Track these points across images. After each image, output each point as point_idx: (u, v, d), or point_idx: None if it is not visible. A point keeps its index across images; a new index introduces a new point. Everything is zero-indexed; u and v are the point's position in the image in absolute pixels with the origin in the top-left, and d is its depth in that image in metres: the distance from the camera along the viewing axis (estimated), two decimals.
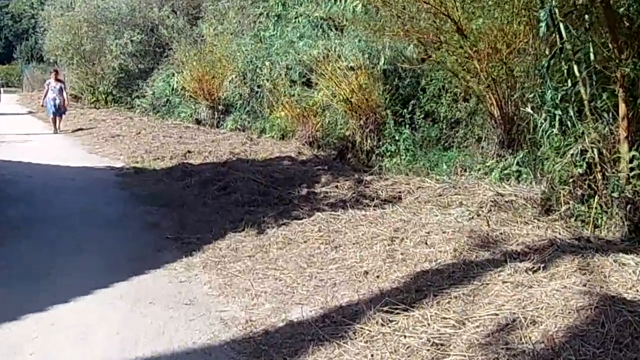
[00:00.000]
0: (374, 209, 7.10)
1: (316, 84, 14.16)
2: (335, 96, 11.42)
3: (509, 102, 8.67)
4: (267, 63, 16.46)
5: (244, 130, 17.20)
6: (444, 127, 11.18)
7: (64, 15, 25.21)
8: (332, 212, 6.90)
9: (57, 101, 16.89)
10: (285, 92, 14.24)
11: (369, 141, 10.41)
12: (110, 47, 24.22)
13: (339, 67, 10.89)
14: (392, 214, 6.76)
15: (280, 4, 17.42)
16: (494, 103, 8.88)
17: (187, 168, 10.16)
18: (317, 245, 5.93)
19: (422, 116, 10.55)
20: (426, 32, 8.63)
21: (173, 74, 20.54)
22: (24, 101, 28.11)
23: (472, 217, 7.03)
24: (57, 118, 16.99)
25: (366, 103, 10.38)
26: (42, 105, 17.90)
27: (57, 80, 17.41)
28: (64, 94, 17.32)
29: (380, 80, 10.59)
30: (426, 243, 5.77)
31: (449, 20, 8.40)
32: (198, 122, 17.92)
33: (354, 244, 5.87)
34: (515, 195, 7.66)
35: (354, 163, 10.43)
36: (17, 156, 12.13)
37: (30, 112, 22.36)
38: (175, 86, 20.02)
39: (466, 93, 12.12)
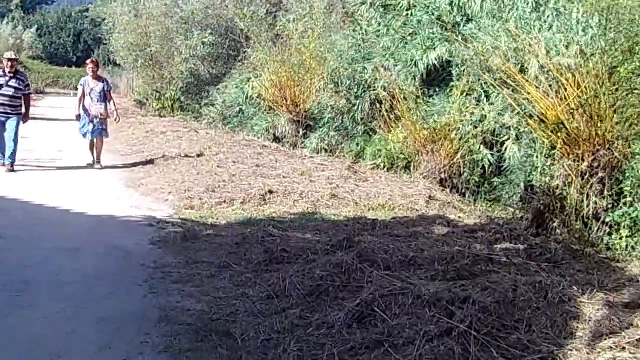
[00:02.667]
0: None
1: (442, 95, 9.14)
2: (521, 111, 6.29)
3: None
4: (370, 66, 11.53)
5: (331, 152, 12.39)
6: None
7: (131, 12, 20.96)
8: None
9: (97, 114, 9.29)
10: (406, 105, 9.25)
11: (592, 198, 5.31)
12: (180, 48, 19.85)
13: (551, 64, 5.69)
14: None
15: None
16: None
17: (274, 237, 5.25)
18: None
19: None
20: None
21: (248, 79, 15.82)
22: None
23: None
24: (98, 141, 9.51)
25: (594, 130, 5.25)
26: (77, 118, 9.53)
27: (97, 78, 9.54)
28: (108, 102, 9.45)
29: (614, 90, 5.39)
30: None
31: None
32: (277, 139, 13.09)
33: None
34: None
35: (564, 237, 5.35)
36: (23, 185, 7.58)
37: None
38: (250, 93, 15.28)
39: None
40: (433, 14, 10.82)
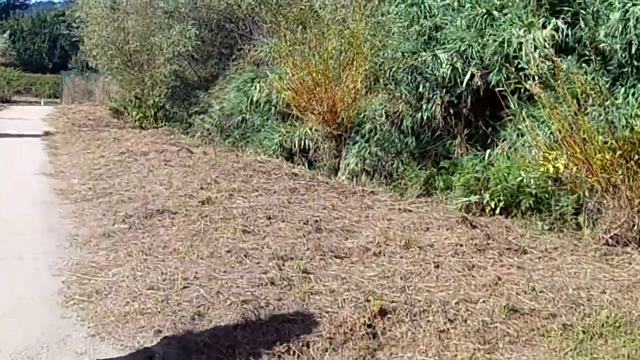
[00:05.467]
0: None
1: None
2: None
3: None
4: (444, 55, 7.35)
5: (373, 175, 8.32)
6: None
7: (106, 4, 16.38)
8: None
9: None
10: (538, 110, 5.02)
11: None
12: (161, 46, 15.46)
13: None
14: None
15: None
16: None
17: None
18: None
19: None
20: None
21: (252, 80, 11.49)
22: (55, 115, 19.17)
23: None
24: None
25: None
26: None
27: None
28: None
29: None
30: None
31: None
32: (310, 163, 8.79)
33: None
34: None
35: None
36: None
37: (47, 134, 13.43)
38: (256, 97, 10.96)
39: None
40: None
